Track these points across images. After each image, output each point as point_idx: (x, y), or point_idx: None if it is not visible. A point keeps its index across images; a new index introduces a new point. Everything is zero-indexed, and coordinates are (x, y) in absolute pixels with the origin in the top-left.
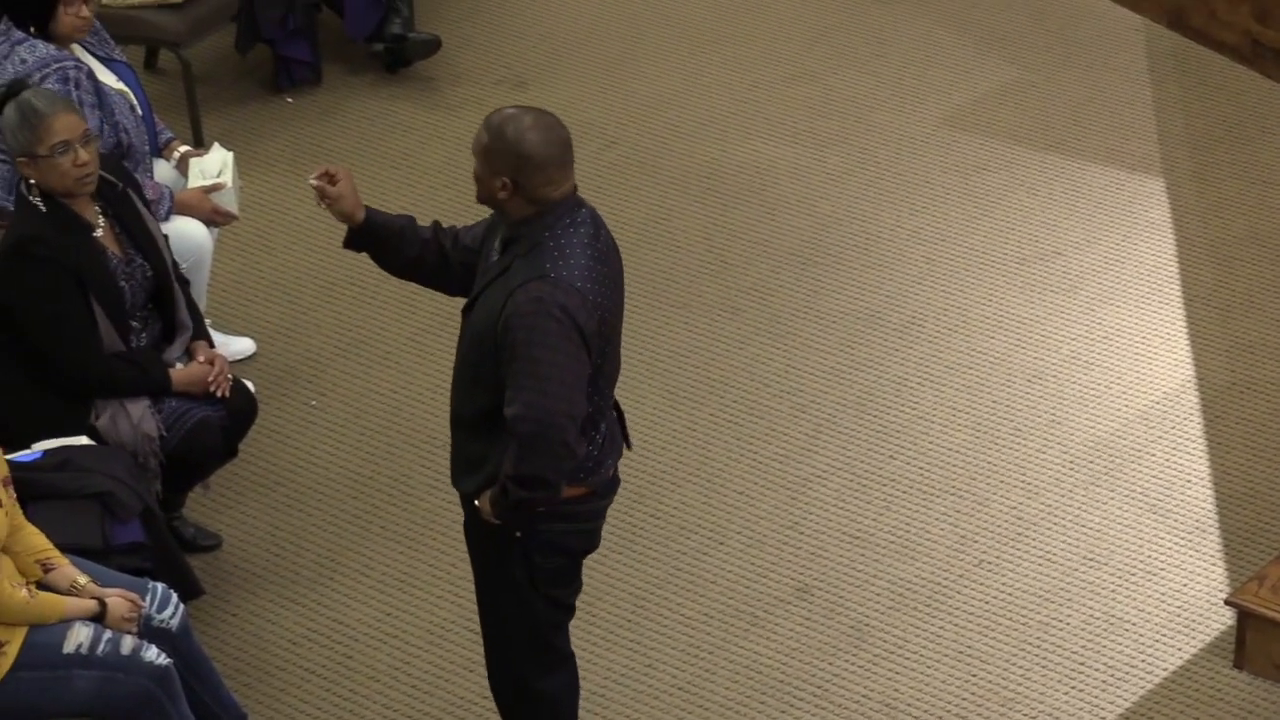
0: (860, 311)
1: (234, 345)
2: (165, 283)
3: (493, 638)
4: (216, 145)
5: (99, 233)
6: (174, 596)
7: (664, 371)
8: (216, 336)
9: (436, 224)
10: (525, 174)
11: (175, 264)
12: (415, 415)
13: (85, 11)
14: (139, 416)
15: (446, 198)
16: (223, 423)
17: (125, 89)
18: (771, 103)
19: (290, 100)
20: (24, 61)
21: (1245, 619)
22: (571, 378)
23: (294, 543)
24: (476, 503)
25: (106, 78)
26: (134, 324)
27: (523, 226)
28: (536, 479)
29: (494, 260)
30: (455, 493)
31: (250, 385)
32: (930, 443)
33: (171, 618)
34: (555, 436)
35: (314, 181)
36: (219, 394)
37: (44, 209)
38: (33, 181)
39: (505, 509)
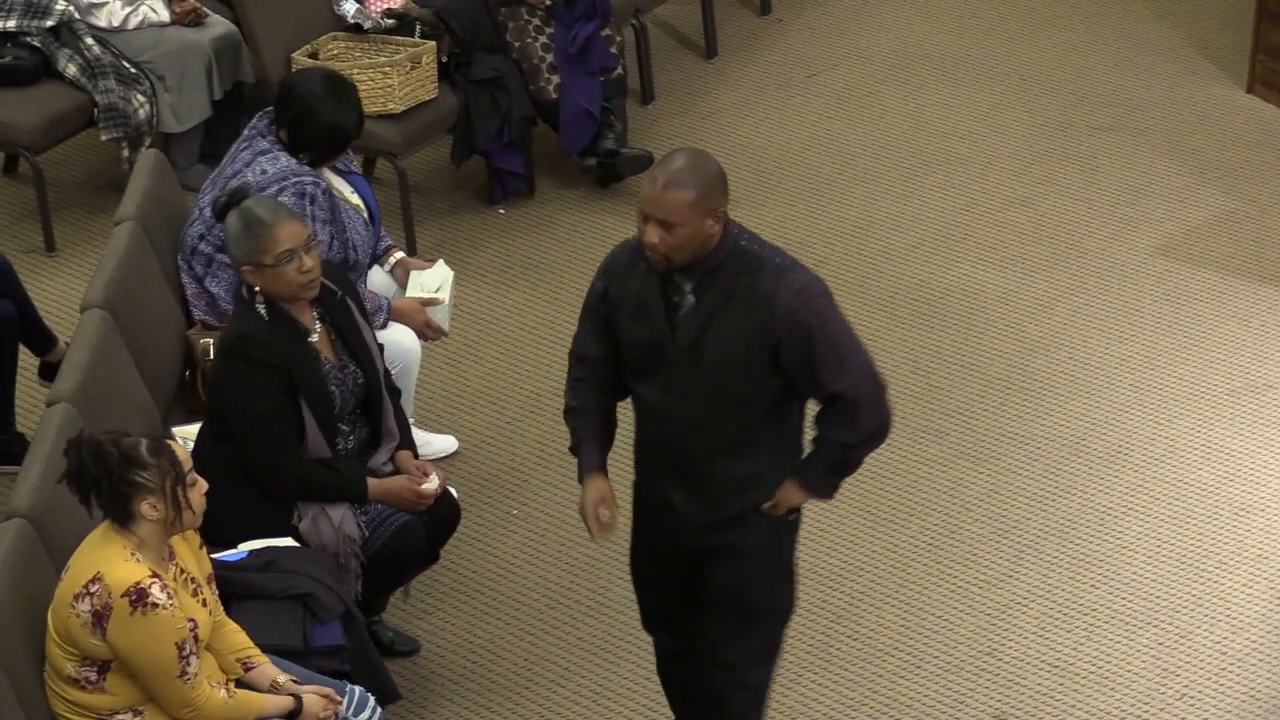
0: (1066, 438)
1: (436, 443)
2: (375, 391)
3: (757, 648)
4: (441, 262)
5: (314, 338)
6: (371, 700)
7: (865, 492)
8: (419, 434)
9: (597, 395)
10: (724, 193)
11: (387, 373)
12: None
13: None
14: (340, 519)
15: None
16: (425, 528)
17: (360, 203)
18: (982, 227)
19: (503, 212)
20: (264, 173)
21: None
22: (856, 336)
23: (491, 651)
24: (766, 506)
25: (343, 190)
26: (342, 427)
27: (719, 252)
28: (882, 427)
29: (690, 305)
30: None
31: (454, 492)
32: (1133, 573)
33: None
34: (883, 384)
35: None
36: (423, 507)
37: (264, 314)
38: (257, 289)
39: (836, 479)
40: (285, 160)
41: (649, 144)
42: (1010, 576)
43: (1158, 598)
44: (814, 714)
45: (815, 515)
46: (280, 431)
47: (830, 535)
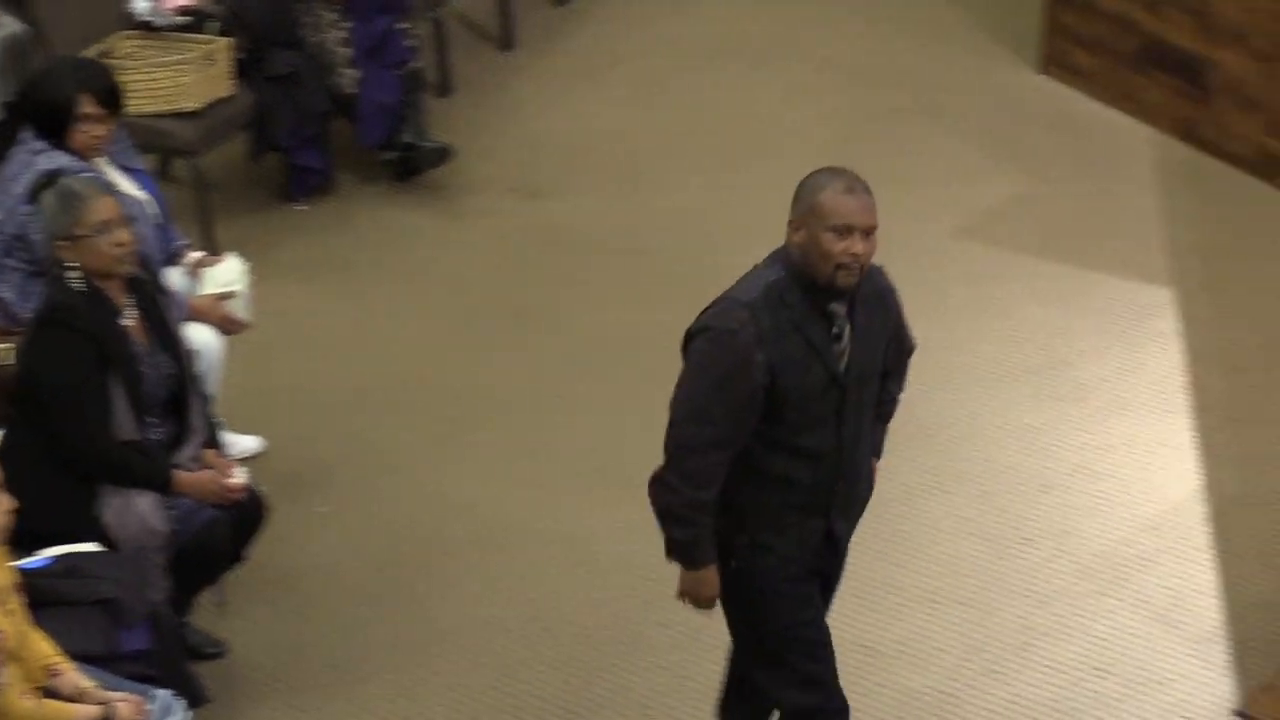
0: None
1: (242, 443)
2: (184, 385)
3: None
4: (232, 255)
5: (127, 321)
6: (178, 704)
7: None
8: (224, 435)
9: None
10: None
11: (198, 378)
12: (424, 525)
13: (99, 130)
14: (146, 511)
15: (457, 306)
16: (232, 525)
17: (144, 197)
18: (780, 216)
19: (302, 208)
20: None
21: None
22: None
23: (300, 651)
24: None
25: (127, 186)
26: (150, 420)
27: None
28: None
29: (845, 329)
30: (461, 600)
31: (260, 490)
32: (940, 551)
33: None
34: None
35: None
36: (230, 501)
37: (78, 287)
38: (70, 265)
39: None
40: (63, 159)
41: (449, 137)
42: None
43: (964, 575)
44: (627, 703)
45: (623, 504)
46: (90, 404)
47: (638, 524)
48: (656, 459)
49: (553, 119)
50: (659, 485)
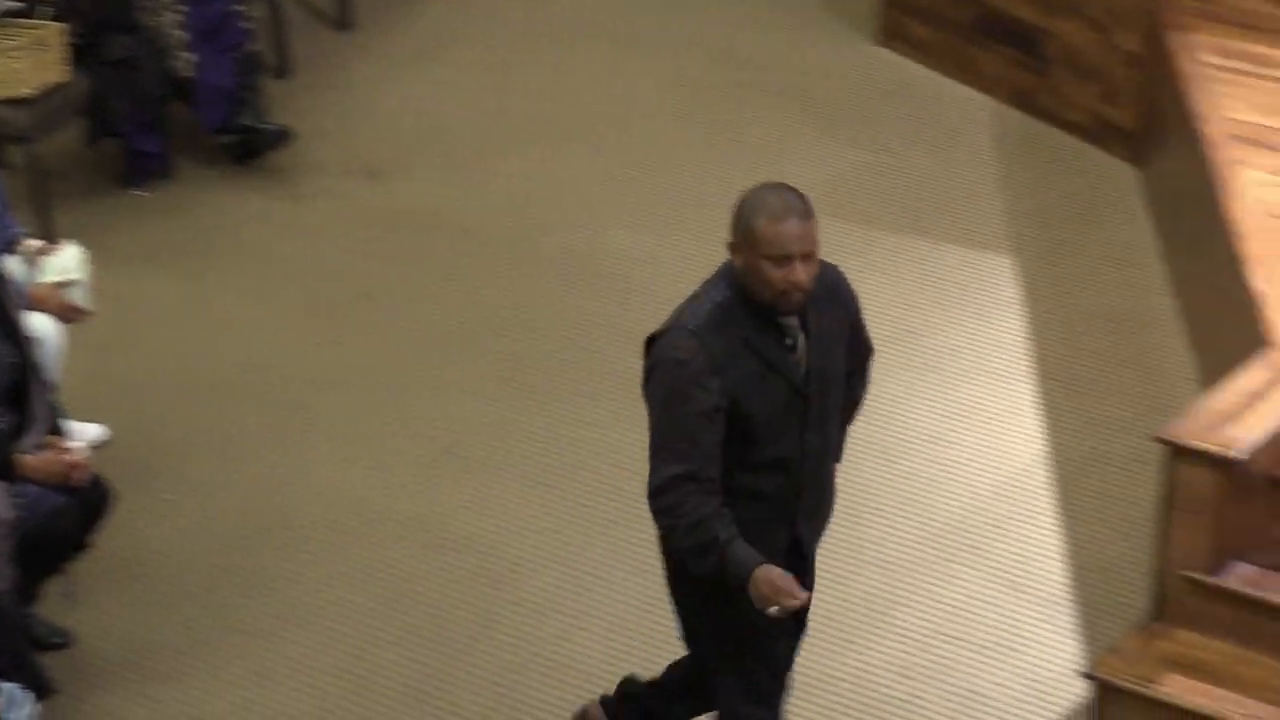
0: None
1: (87, 433)
2: (26, 374)
3: None
4: (68, 242)
5: None
6: (25, 696)
7: (523, 458)
8: (67, 424)
9: (719, 499)
10: None
11: (40, 366)
12: (272, 509)
13: None
14: None
15: (300, 289)
16: (78, 512)
17: None
18: (628, 193)
19: (141, 194)
20: None
21: (1103, 691)
22: None
23: (150, 638)
24: None
25: None
26: None
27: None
28: None
29: (799, 338)
30: (311, 583)
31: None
32: None
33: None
34: None
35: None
36: (75, 483)
37: None
38: None
39: None
40: None
41: (289, 119)
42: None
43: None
44: (478, 683)
45: (471, 484)
46: None
47: (486, 503)
48: (505, 438)
49: (393, 100)
50: (664, 530)
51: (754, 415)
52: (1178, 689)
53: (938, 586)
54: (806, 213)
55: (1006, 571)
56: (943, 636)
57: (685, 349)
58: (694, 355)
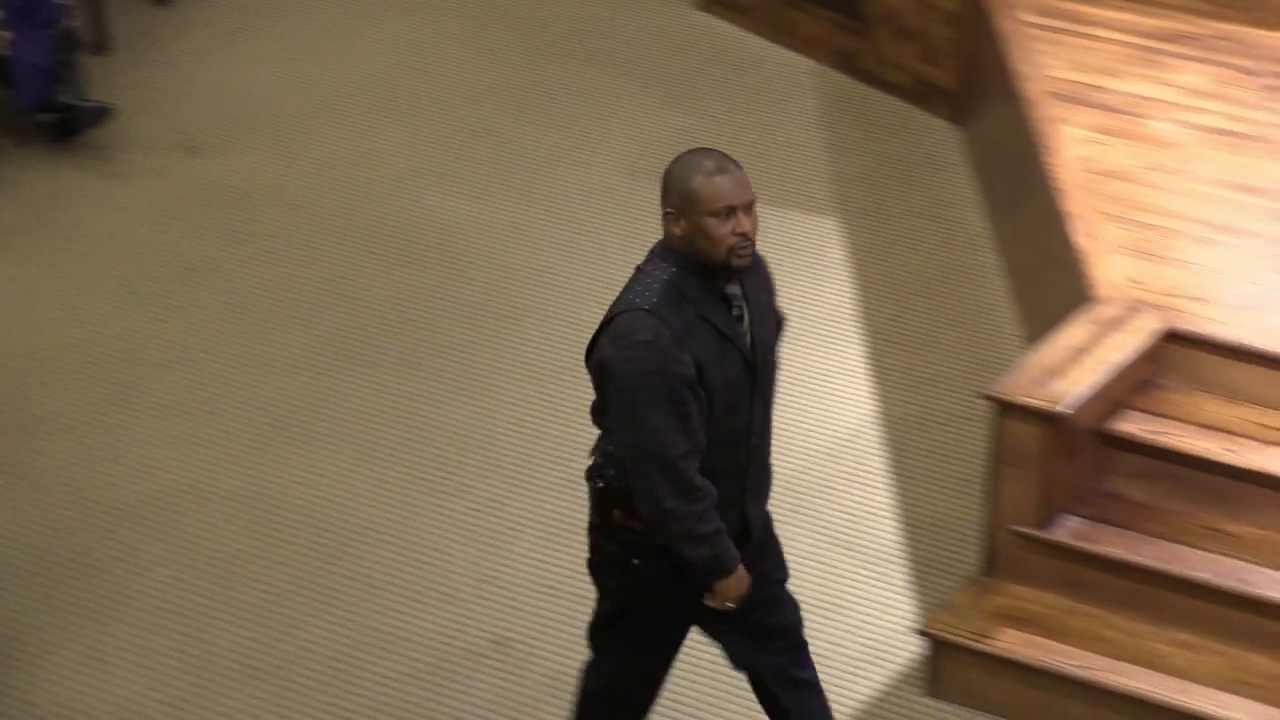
0: (549, 363)
1: None
2: None
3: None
4: None
5: None
6: None
7: (353, 431)
8: None
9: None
10: None
11: None
12: (100, 489)
13: None
14: None
15: (123, 266)
16: None
17: None
18: (454, 161)
19: None
20: None
21: (936, 647)
22: None
23: None
24: None
25: None
26: None
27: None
28: None
29: (742, 314)
30: (141, 563)
31: None
32: None
33: None
34: None
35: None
36: None
37: None
38: None
39: None
40: None
41: (109, 95)
42: (503, 503)
43: None
44: (314, 658)
45: (301, 459)
46: None
47: (318, 477)
48: (335, 412)
49: (213, 74)
50: (659, 517)
51: (714, 388)
52: (1010, 643)
53: None
54: (737, 165)
55: (839, 532)
56: None
57: (648, 329)
58: (658, 333)
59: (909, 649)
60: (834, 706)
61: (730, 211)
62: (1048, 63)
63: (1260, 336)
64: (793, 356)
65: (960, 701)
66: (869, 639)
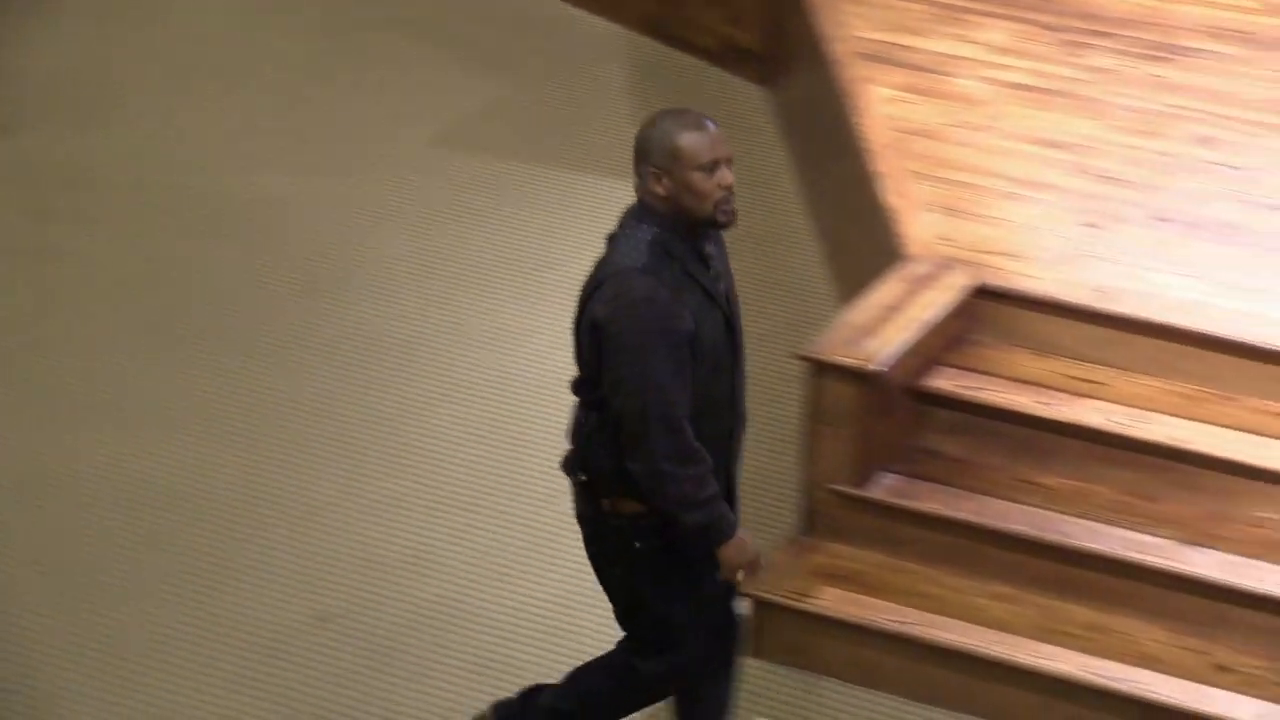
0: (362, 336)
1: None
2: None
3: None
4: None
5: None
6: None
7: (164, 410)
8: None
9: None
10: None
11: None
12: None
13: None
14: None
15: None
16: None
17: None
18: (266, 133)
19: None
20: None
21: (757, 607)
22: None
23: None
24: None
25: None
26: None
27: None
28: None
29: (719, 272)
30: None
31: None
32: (441, 459)
33: None
34: None
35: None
36: None
37: None
38: None
39: None
40: None
41: None
42: (319, 477)
43: (466, 481)
44: (135, 642)
45: (124, 439)
46: None
47: (134, 457)
48: (157, 391)
49: (15, 51)
50: (656, 480)
51: (704, 347)
52: (831, 600)
53: None
54: (712, 119)
55: None
56: None
57: (645, 286)
58: (655, 290)
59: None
60: None
61: (714, 165)
62: (853, 23)
63: (1068, 289)
64: None
65: (782, 660)
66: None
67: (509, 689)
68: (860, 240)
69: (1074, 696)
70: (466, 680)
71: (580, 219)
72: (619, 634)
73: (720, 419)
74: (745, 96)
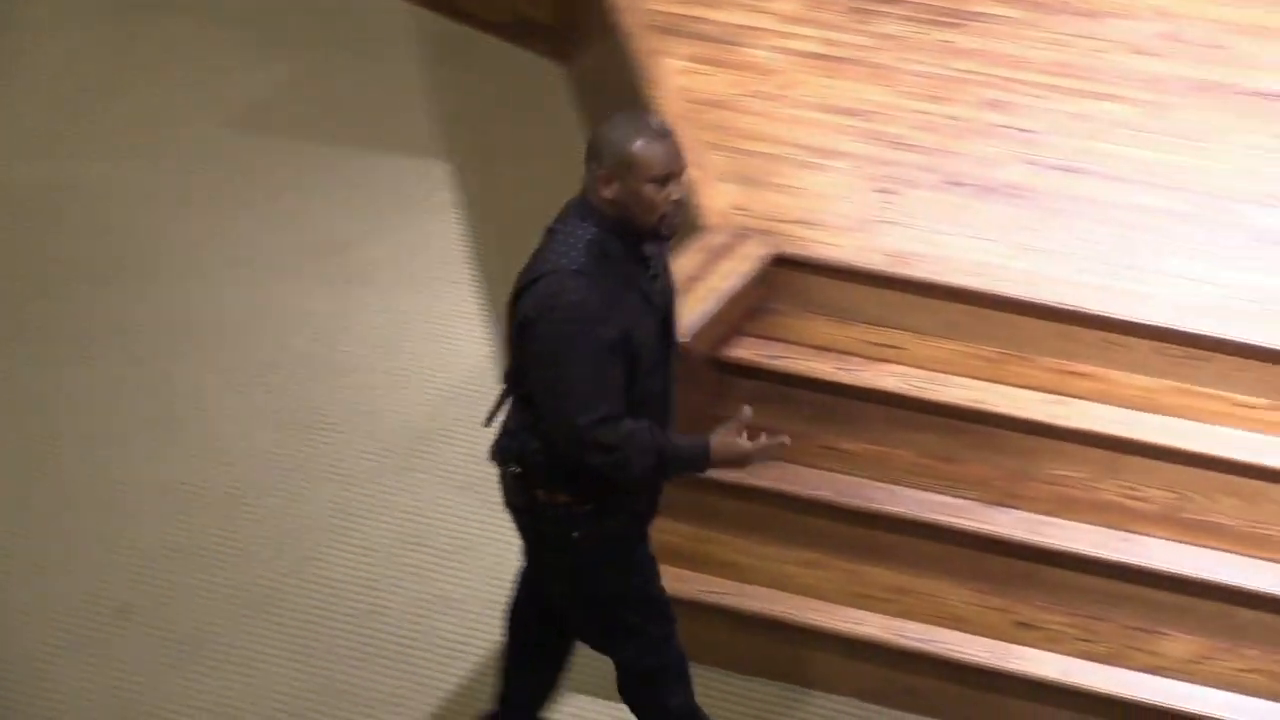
0: (159, 323)
1: None
2: None
3: None
4: None
5: None
6: None
7: None
8: None
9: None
10: None
11: None
12: None
13: None
14: None
15: None
16: None
17: None
18: (55, 121)
19: None
20: None
21: None
22: None
23: None
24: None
25: None
26: None
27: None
28: None
29: (658, 274)
30: None
31: None
32: (241, 447)
33: None
34: None
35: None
36: None
37: None
38: None
39: None
40: None
41: None
42: (118, 466)
43: (268, 467)
44: None
45: None
46: None
47: None
48: None
49: None
50: (607, 471)
51: (641, 349)
52: None
53: (395, 495)
54: (672, 130)
55: (462, 474)
56: (405, 544)
57: (577, 289)
58: (588, 293)
59: None
60: (468, 648)
61: (667, 179)
62: None
63: (864, 256)
64: (406, 303)
65: None
66: (498, 579)
67: (318, 674)
68: None
69: (882, 659)
70: (272, 667)
71: (377, 199)
72: (437, 614)
73: (653, 415)
74: (539, 72)
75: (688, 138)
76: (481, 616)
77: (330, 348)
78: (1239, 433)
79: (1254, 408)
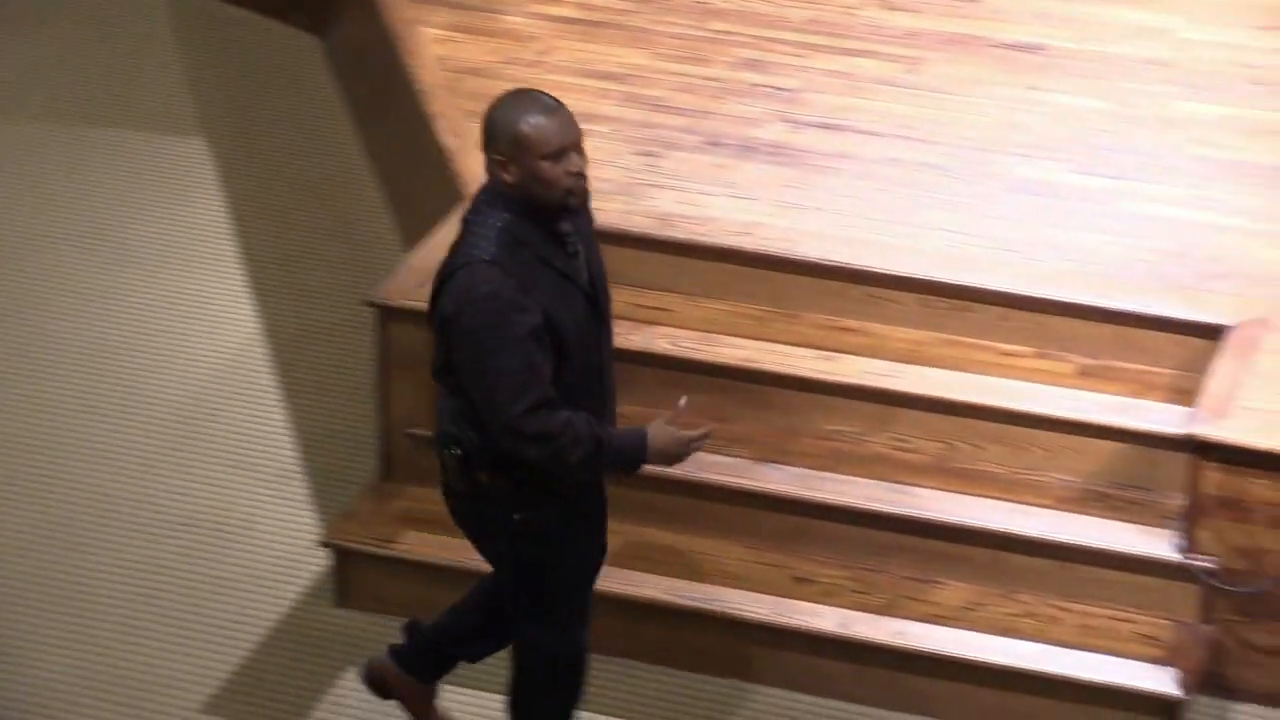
0: None
1: None
2: None
3: None
4: None
5: None
6: None
7: None
8: None
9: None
10: None
11: None
12: None
13: None
14: None
15: None
16: None
17: None
18: None
19: None
20: None
21: (342, 557)
22: None
23: None
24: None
25: None
26: None
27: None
28: None
29: (577, 250)
30: None
31: None
32: (7, 432)
33: None
34: None
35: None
36: None
37: None
38: None
39: None
40: None
41: None
42: None
43: (31, 451)
44: None
45: None
46: None
47: None
48: None
49: None
50: (535, 465)
51: (565, 329)
52: (414, 544)
53: (166, 477)
54: (559, 103)
55: (235, 453)
56: (178, 526)
57: (491, 279)
58: (501, 283)
59: (317, 562)
60: (245, 627)
61: (562, 153)
62: None
63: (629, 219)
64: (170, 281)
65: (371, 608)
66: (277, 556)
67: (100, 664)
68: (421, 183)
69: (663, 620)
70: (58, 658)
71: (136, 178)
72: (213, 595)
73: (591, 394)
74: (297, 46)
75: (448, 107)
76: (258, 594)
77: (93, 330)
78: (1005, 381)
79: (1019, 355)
